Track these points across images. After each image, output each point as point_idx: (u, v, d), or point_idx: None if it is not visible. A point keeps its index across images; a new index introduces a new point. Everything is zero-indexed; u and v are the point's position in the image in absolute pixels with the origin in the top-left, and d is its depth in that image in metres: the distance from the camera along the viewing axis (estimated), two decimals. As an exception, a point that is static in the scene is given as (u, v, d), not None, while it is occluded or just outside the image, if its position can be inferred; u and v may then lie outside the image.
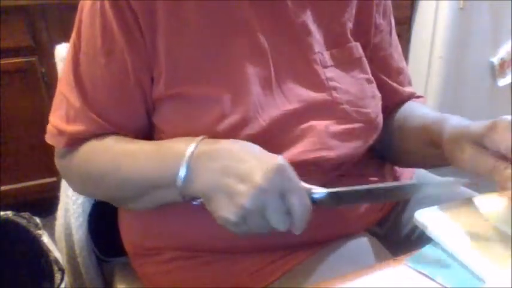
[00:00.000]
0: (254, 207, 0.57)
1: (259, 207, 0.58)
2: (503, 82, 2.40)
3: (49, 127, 0.74)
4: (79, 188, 0.79)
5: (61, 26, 1.74)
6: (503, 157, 0.60)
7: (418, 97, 0.90)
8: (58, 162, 0.77)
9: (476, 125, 0.65)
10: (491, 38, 2.30)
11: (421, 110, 0.83)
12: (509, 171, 0.59)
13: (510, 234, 0.59)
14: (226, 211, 0.59)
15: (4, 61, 1.72)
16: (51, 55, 0.93)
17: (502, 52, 2.34)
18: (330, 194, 0.61)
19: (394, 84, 0.85)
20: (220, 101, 0.67)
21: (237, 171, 0.59)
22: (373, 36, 0.82)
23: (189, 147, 0.62)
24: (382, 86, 0.82)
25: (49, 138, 0.74)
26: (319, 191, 0.61)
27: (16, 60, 1.75)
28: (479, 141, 0.63)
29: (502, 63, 2.36)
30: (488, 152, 0.62)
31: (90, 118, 0.70)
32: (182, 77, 0.68)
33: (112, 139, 0.70)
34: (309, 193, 0.60)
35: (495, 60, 2.34)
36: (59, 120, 0.72)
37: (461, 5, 2.15)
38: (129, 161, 0.68)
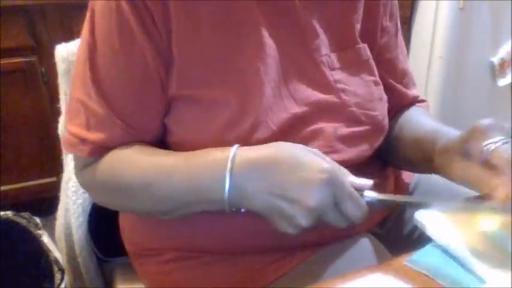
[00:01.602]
0: (312, 223, 0.60)
1: (317, 221, 0.60)
2: (503, 82, 2.40)
3: (67, 137, 0.70)
4: (104, 200, 0.76)
5: (61, 26, 1.73)
6: (491, 165, 0.59)
7: (421, 101, 0.89)
8: (80, 174, 0.73)
9: (458, 136, 0.65)
10: (491, 38, 2.30)
11: (419, 120, 0.81)
12: (495, 180, 0.58)
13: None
14: (287, 229, 0.61)
15: (4, 61, 1.72)
16: (51, 55, 0.92)
17: (502, 52, 2.34)
18: (380, 200, 0.63)
19: (400, 87, 0.85)
20: (231, 104, 0.67)
21: (284, 192, 0.60)
22: (379, 38, 0.81)
23: (228, 153, 0.62)
24: (387, 88, 0.81)
25: (69, 148, 0.70)
26: (370, 195, 0.63)
27: (16, 60, 1.75)
28: (464, 152, 0.62)
29: (502, 63, 2.36)
30: (474, 162, 0.61)
31: (113, 122, 0.67)
32: (194, 78, 0.67)
33: (137, 150, 0.68)
34: (361, 193, 0.63)
35: (495, 60, 2.34)
36: (79, 128, 0.69)
37: (461, 5, 2.15)
38: (162, 178, 0.66)
